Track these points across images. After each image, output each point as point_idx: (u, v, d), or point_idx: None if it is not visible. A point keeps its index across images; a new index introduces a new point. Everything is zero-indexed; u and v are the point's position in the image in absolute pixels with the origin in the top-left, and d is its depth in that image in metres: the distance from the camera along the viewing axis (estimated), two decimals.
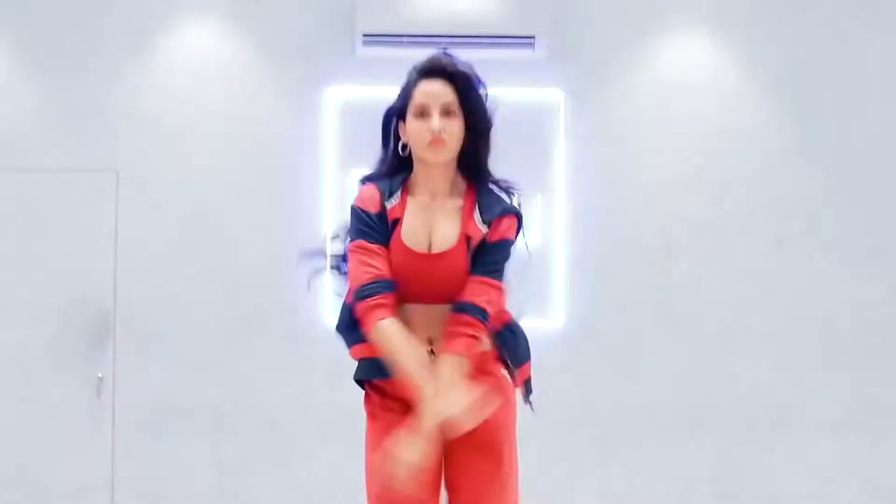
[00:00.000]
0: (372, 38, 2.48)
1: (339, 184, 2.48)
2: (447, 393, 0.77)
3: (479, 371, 0.90)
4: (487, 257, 0.87)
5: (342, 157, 2.54)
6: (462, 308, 0.83)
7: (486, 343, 0.91)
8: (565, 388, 2.51)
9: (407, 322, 0.88)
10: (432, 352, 0.88)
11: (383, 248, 0.89)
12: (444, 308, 0.88)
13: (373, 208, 0.87)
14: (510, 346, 0.93)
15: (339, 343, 0.99)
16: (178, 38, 2.52)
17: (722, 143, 2.59)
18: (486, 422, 0.84)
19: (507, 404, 0.92)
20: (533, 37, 2.47)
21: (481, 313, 0.82)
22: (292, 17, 2.55)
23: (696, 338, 2.56)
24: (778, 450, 2.54)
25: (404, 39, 2.45)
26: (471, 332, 0.82)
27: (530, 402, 0.94)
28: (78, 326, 2.51)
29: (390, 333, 0.81)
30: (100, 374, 2.49)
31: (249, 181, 2.54)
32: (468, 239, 0.86)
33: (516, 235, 0.90)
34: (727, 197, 2.58)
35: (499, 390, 0.90)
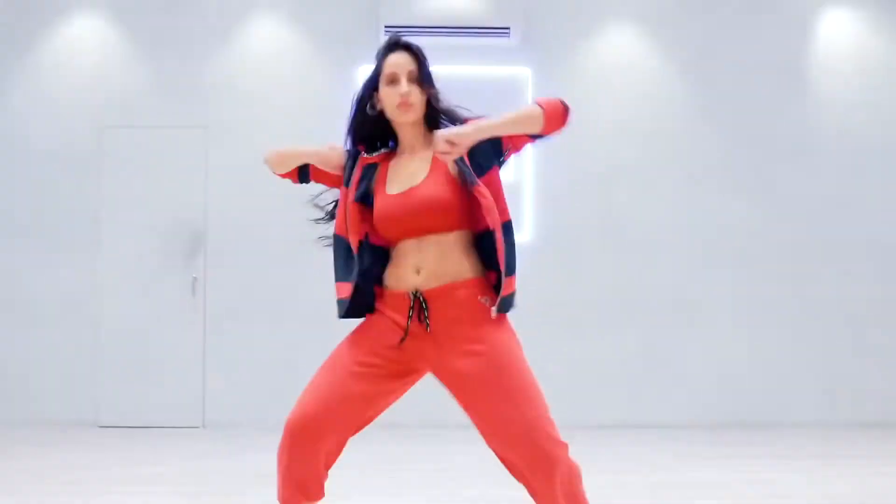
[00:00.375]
0: (391, 29, 3.37)
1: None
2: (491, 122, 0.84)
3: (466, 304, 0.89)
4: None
5: None
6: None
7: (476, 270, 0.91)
8: (534, 287, 3.43)
9: (400, 256, 0.94)
10: (416, 294, 0.89)
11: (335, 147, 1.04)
12: (431, 239, 0.91)
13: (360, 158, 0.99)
14: (509, 250, 0.87)
15: None
16: (253, 28, 3.44)
17: (646, 108, 3.54)
18: (479, 344, 0.87)
19: (500, 326, 0.90)
20: (508, 28, 3.39)
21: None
22: (333, 13, 3.47)
23: (629, 249, 3.50)
24: (688, 331, 3.50)
25: (415, 30, 3.35)
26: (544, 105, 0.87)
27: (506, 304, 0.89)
28: (179, 242, 3.41)
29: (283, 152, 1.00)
30: (194, 276, 3.40)
31: (302, 133, 3.43)
32: (461, 172, 0.87)
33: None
34: (651, 147, 3.53)
35: (482, 313, 0.89)
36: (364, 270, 0.93)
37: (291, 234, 3.41)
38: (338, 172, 0.99)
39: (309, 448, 0.92)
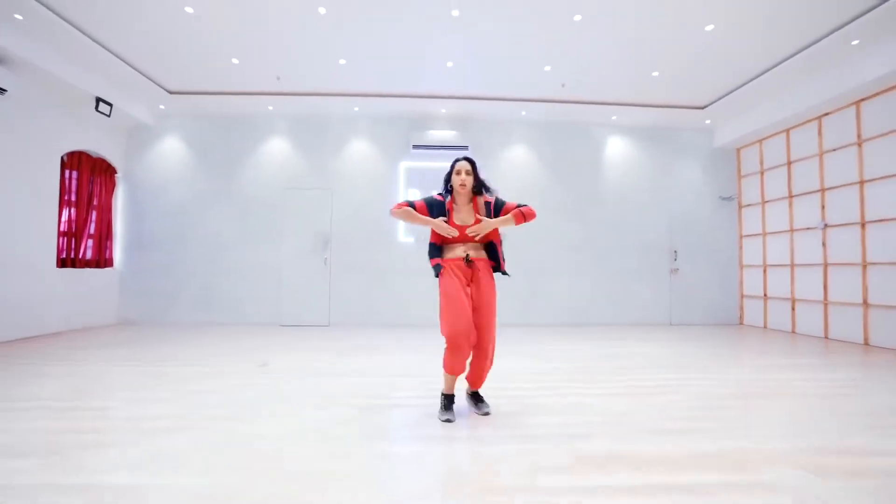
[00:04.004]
0: (415, 147, 7.36)
1: (403, 194, 7.38)
2: (496, 220, 2.51)
3: (484, 268, 2.58)
4: (506, 207, 2.66)
5: (405, 186, 7.41)
6: (518, 207, 2.59)
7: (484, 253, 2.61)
8: None
9: (454, 248, 2.61)
10: (468, 257, 2.56)
11: (422, 206, 2.60)
12: (472, 244, 2.64)
13: (438, 198, 2.68)
14: (497, 255, 2.62)
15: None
16: (352, 143, 7.42)
17: (530, 182, 7.58)
18: (486, 284, 2.53)
19: (492, 279, 2.60)
20: (467, 146, 7.40)
21: (522, 209, 2.58)
22: (389, 138, 7.42)
23: (522, 246, 7.47)
24: (552, 279, 7.48)
25: (424, 147, 7.32)
26: (522, 212, 2.55)
27: (504, 272, 2.69)
28: (319, 241, 7.25)
29: (402, 210, 2.54)
30: (326, 257, 7.24)
31: (374, 194, 7.38)
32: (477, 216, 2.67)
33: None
34: (533, 199, 7.53)
35: (489, 272, 2.61)
36: (438, 255, 2.66)
37: (369, 239, 7.34)
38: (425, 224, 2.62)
39: (464, 347, 2.41)
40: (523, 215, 2.56)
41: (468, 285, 2.56)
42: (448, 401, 2.63)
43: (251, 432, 2.42)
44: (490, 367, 2.64)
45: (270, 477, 1.92)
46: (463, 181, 2.57)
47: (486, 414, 2.66)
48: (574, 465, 2.06)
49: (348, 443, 2.30)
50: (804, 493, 1.82)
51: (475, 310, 2.53)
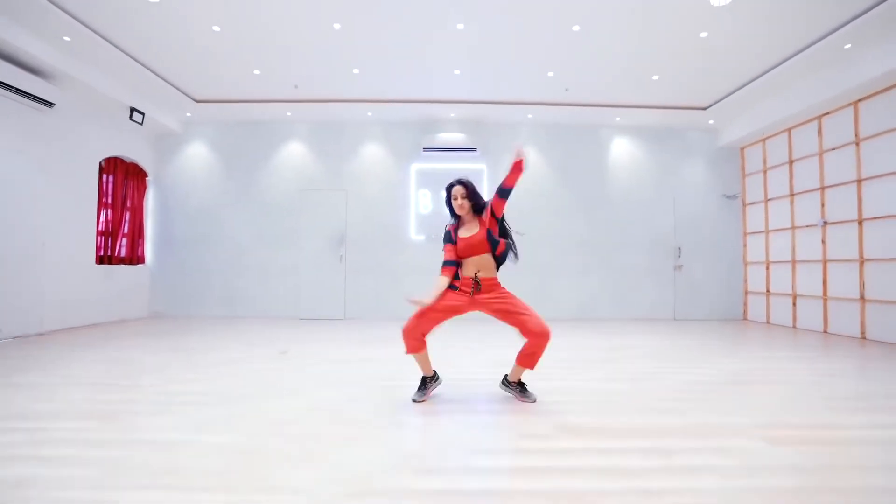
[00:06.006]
0: (426, 149, 7.68)
1: (414, 195, 7.68)
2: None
3: (494, 285, 2.73)
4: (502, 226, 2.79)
5: (416, 187, 7.73)
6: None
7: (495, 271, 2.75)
8: None
9: (466, 265, 2.75)
10: (476, 276, 2.70)
11: (452, 246, 2.76)
12: (479, 258, 2.74)
13: (451, 229, 2.82)
14: (503, 260, 2.76)
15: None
16: (366, 147, 7.78)
17: (539, 182, 7.82)
18: (500, 297, 2.67)
19: (501, 290, 2.73)
20: (475, 148, 7.68)
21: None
22: (401, 141, 7.75)
23: (536, 241, 7.71)
24: (557, 278, 7.72)
25: (434, 149, 7.64)
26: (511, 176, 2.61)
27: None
28: (334, 239, 7.63)
29: (438, 280, 2.71)
30: (341, 254, 7.61)
31: (387, 196, 7.72)
32: (487, 231, 2.70)
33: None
34: (540, 200, 7.79)
35: (497, 289, 2.71)
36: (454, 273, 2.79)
37: (382, 238, 7.70)
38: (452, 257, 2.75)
39: (408, 339, 2.73)
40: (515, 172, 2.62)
41: (469, 305, 2.73)
42: (422, 382, 2.93)
43: (273, 406, 2.77)
44: (544, 346, 2.67)
45: (286, 438, 2.25)
46: (461, 205, 2.74)
47: (532, 401, 2.82)
48: (554, 433, 2.33)
49: (360, 414, 2.63)
50: (752, 456, 2.07)
51: (506, 317, 2.70)
